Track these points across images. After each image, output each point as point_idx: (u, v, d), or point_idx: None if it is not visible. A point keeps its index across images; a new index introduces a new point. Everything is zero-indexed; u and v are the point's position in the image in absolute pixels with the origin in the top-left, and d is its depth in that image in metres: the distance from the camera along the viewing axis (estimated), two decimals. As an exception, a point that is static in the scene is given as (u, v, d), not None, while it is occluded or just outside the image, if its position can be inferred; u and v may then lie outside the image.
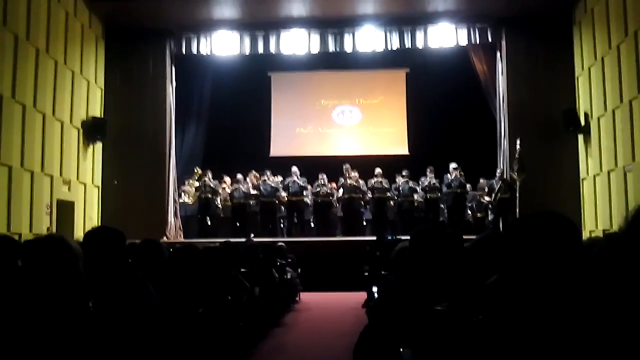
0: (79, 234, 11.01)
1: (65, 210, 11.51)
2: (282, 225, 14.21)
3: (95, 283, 2.48)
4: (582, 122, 12.31)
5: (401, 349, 2.55)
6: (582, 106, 12.44)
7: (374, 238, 9.60)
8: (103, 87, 13.43)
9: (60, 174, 11.43)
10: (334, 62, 15.63)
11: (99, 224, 12.36)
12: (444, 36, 13.63)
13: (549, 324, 1.45)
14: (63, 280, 2.15)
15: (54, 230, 10.73)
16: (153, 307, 2.70)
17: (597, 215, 11.67)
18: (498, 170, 13.28)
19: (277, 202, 13.74)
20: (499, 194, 12.72)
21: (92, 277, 2.51)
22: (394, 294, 3.00)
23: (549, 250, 1.51)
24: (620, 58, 10.63)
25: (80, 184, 12.30)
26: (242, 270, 5.92)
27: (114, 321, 2.33)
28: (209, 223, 13.97)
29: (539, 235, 1.54)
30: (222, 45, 13.94)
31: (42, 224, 10.55)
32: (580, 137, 12.54)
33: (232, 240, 8.28)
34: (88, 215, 12.49)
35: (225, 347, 4.58)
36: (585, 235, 11.54)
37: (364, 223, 14.11)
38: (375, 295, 5.91)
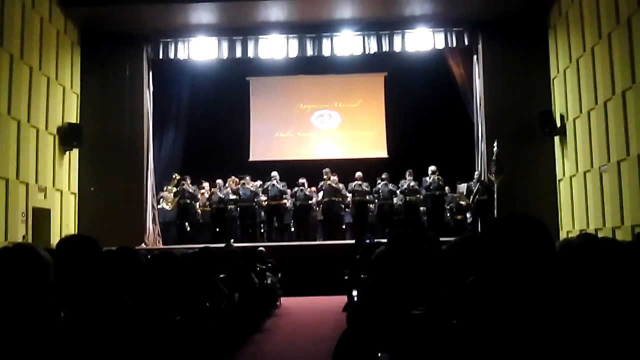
0: (55, 241, 10.85)
1: (41, 217, 11.34)
2: (262, 230, 14.14)
3: (67, 293, 2.43)
4: (558, 124, 12.44)
5: (379, 354, 2.55)
6: (558, 108, 12.57)
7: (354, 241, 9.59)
8: (79, 93, 13.26)
9: (36, 181, 11.27)
10: (312, 66, 15.63)
11: (76, 232, 12.21)
12: (421, 40, 13.71)
13: (522, 325, 1.45)
14: (33, 289, 2.10)
15: (30, 238, 10.58)
16: (128, 316, 2.65)
17: (574, 216, 11.79)
18: (476, 173, 13.36)
19: (256, 206, 13.67)
20: (477, 196, 12.81)
21: (65, 287, 2.46)
22: (372, 299, 2.99)
23: (520, 252, 1.52)
24: (594, 60, 10.76)
25: (56, 191, 12.14)
26: (221, 276, 5.87)
27: (86, 332, 2.29)
28: (188, 229, 13.87)
29: (511, 238, 1.54)
30: (200, 50, 13.87)
31: (17, 232, 10.39)
32: (557, 139, 12.68)
33: (211, 245, 8.22)
34: (65, 223, 12.33)
35: (204, 354, 4.53)
36: (562, 235, 11.65)
37: (344, 227, 14.09)
38: (355, 299, 5.90)
